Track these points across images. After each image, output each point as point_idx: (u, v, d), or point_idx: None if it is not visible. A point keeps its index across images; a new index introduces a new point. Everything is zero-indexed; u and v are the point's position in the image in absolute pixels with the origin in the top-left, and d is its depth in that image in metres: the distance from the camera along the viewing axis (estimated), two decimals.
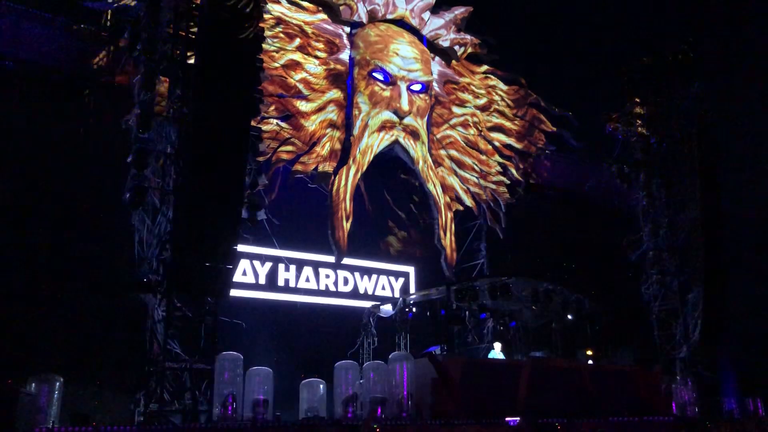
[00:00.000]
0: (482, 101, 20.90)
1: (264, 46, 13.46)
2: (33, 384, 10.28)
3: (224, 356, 11.57)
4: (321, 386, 12.42)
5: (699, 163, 18.61)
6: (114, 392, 12.43)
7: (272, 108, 16.59)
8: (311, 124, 17.41)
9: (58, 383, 10.52)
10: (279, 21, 17.04)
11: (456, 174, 20.04)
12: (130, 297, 11.45)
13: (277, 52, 16.81)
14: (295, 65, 17.21)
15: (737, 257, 18.87)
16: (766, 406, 17.20)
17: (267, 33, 15.44)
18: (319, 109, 17.64)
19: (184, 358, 10.99)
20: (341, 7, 18.10)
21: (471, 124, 20.53)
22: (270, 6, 15.99)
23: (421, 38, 19.54)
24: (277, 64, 16.70)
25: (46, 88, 14.12)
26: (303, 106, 17.30)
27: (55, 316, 12.63)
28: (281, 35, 17.02)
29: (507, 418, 12.57)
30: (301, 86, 17.25)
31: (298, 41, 17.34)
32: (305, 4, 17.67)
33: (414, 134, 18.83)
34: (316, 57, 17.71)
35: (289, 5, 17.32)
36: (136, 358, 11.56)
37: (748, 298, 19.10)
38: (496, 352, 15.86)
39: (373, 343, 16.81)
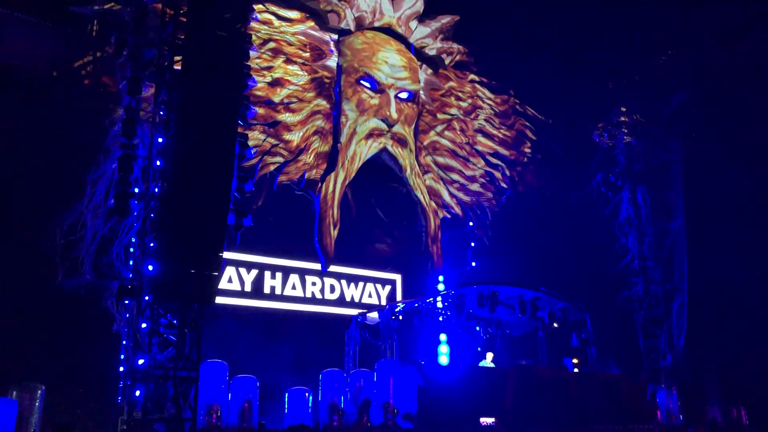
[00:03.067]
0: (469, 109, 20.98)
1: (253, 64, 13.47)
2: (14, 392, 10.15)
3: (209, 364, 11.50)
4: (306, 394, 12.36)
5: (683, 172, 18.79)
6: (97, 401, 12.29)
7: (260, 115, 16.54)
8: (298, 132, 17.39)
9: (39, 392, 10.39)
10: (268, 39, 17.01)
11: (443, 181, 20.10)
12: (114, 303, 11.33)
13: (267, 69, 16.79)
14: (283, 81, 17.19)
15: (721, 265, 19.00)
16: (749, 415, 17.33)
17: (258, 48, 15.48)
18: (306, 117, 17.62)
19: (168, 366, 10.89)
20: (329, 14, 18.13)
21: (458, 132, 20.60)
22: (259, 24, 16.05)
23: (409, 46, 19.60)
24: (265, 81, 16.69)
25: (31, 91, 13.98)
26: (289, 116, 17.27)
27: (35, 323, 12.47)
28: (268, 54, 16.98)
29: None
30: (287, 97, 17.24)
31: (285, 55, 17.32)
32: (293, 14, 17.67)
33: (402, 142, 18.86)
34: (303, 65, 17.71)
35: (277, 19, 17.28)
36: (119, 366, 11.45)
37: (733, 307, 19.23)
38: (487, 361, 15.87)
39: (359, 351, 16.74)
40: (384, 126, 18.46)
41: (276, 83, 17.06)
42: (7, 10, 14.16)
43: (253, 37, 14.84)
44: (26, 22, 14.33)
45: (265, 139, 16.66)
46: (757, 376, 18.00)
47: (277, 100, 17.04)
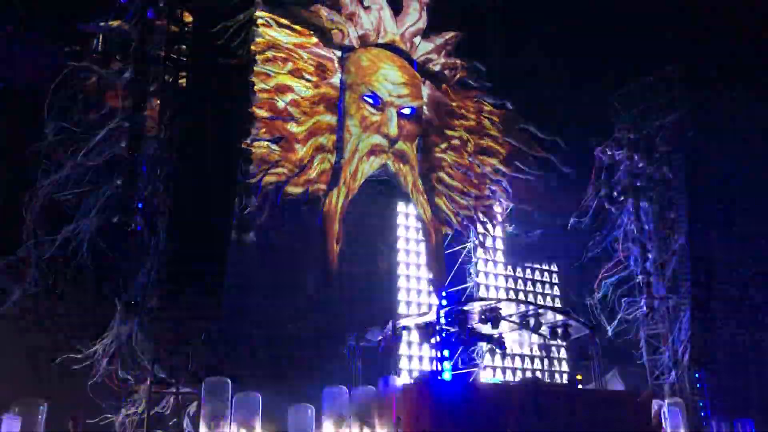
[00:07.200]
0: (472, 125, 21.02)
1: (256, 68, 13.55)
2: (16, 409, 10.12)
3: (212, 380, 11.45)
4: (309, 411, 12.30)
5: (686, 188, 18.78)
6: (99, 416, 12.23)
7: (263, 131, 16.61)
8: (301, 147, 17.44)
9: (41, 408, 10.36)
10: (272, 45, 17.13)
11: (446, 197, 20.09)
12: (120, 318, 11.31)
13: (268, 75, 16.88)
14: (286, 88, 17.27)
15: (725, 281, 18.94)
16: (755, 429, 17.20)
17: (259, 56, 15.55)
18: (310, 132, 17.68)
19: (171, 382, 10.86)
20: (333, 32, 18.27)
21: (461, 148, 20.63)
22: (263, 30, 16.11)
23: (412, 62, 19.71)
24: (267, 86, 16.75)
25: (36, 108, 14.03)
26: (293, 128, 17.33)
27: (40, 338, 12.44)
28: (272, 58, 17.09)
29: None
30: (291, 109, 17.31)
31: (290, 65, 17.42)
32: (298, 27, 17.80)
33: (403, 158, 18.91)
34: (308, 80, 17.80)
35: (281, 29, 17.43)
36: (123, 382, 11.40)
37: (736, 320, 19.16)
38: (491, 377, 15.79)
39: (360, 367, 16.59)
40: (385, 142, 18.54)
41: (280, 91, 17.07)
42: (12, 28, 14.26)
43: (259, 41, 14.87)
44: (32, 39, 14.42)
45: (269, 154, 16.68)
46: (763, 390, 17.88)
47: (281, 107, 17.03)
